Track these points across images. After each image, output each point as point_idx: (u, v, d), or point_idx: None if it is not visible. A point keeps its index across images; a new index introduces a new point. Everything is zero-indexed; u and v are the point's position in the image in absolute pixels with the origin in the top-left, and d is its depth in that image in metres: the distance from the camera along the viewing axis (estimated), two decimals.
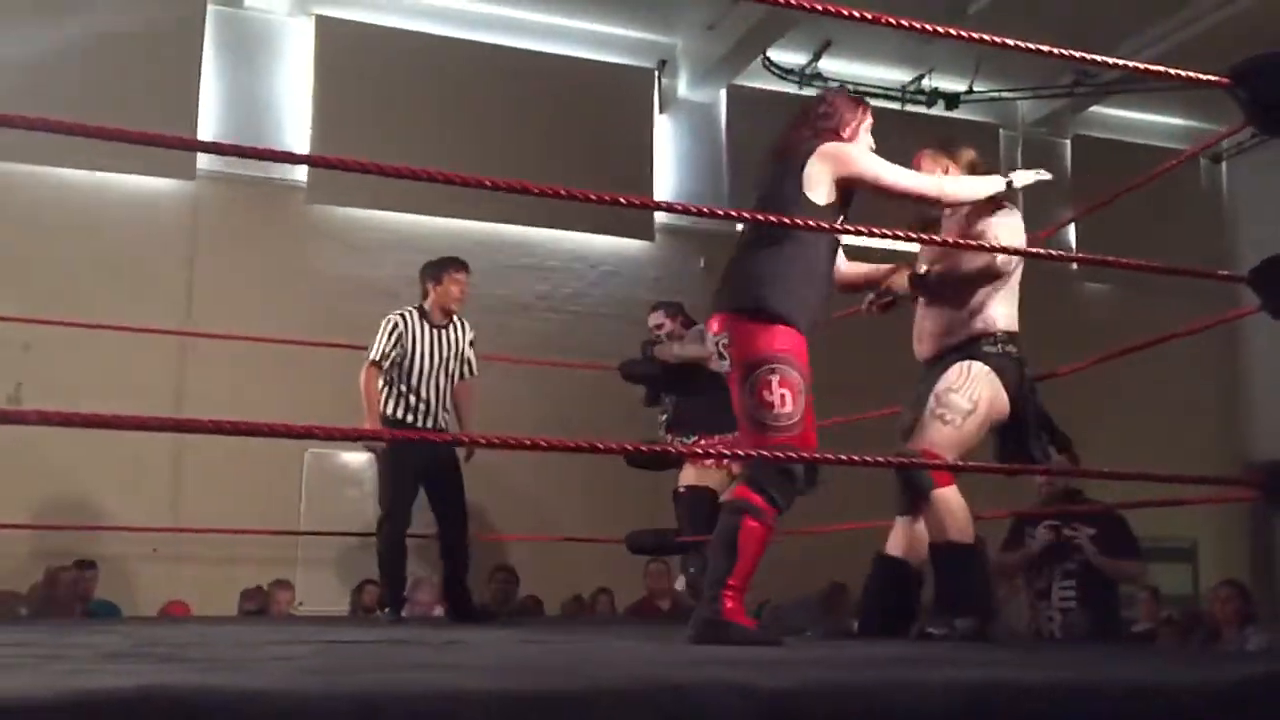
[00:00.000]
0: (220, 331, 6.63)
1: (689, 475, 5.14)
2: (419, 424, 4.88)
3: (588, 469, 6.93)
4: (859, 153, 3.18)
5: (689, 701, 1.41)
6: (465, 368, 5.12)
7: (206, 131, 7.86)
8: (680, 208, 2.88)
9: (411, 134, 7.94)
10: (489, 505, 7.79)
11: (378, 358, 4.92)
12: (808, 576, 7.67)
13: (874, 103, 10.88)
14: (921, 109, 9.73)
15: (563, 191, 2.60)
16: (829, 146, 3.14)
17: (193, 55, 7.95)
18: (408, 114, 8.16)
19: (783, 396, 2.95)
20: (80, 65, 7.29)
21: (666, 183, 9.14)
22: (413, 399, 4.93)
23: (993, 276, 3.45)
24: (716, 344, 3.06)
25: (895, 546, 3.58)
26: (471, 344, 5.16)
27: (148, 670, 1.77)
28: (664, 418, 5.31)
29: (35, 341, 6.77)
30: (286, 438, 2.33)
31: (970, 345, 3.45)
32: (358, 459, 7.71)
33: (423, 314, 5.05)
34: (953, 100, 9.75)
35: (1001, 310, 3.48)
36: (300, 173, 8.05)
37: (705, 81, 9.30)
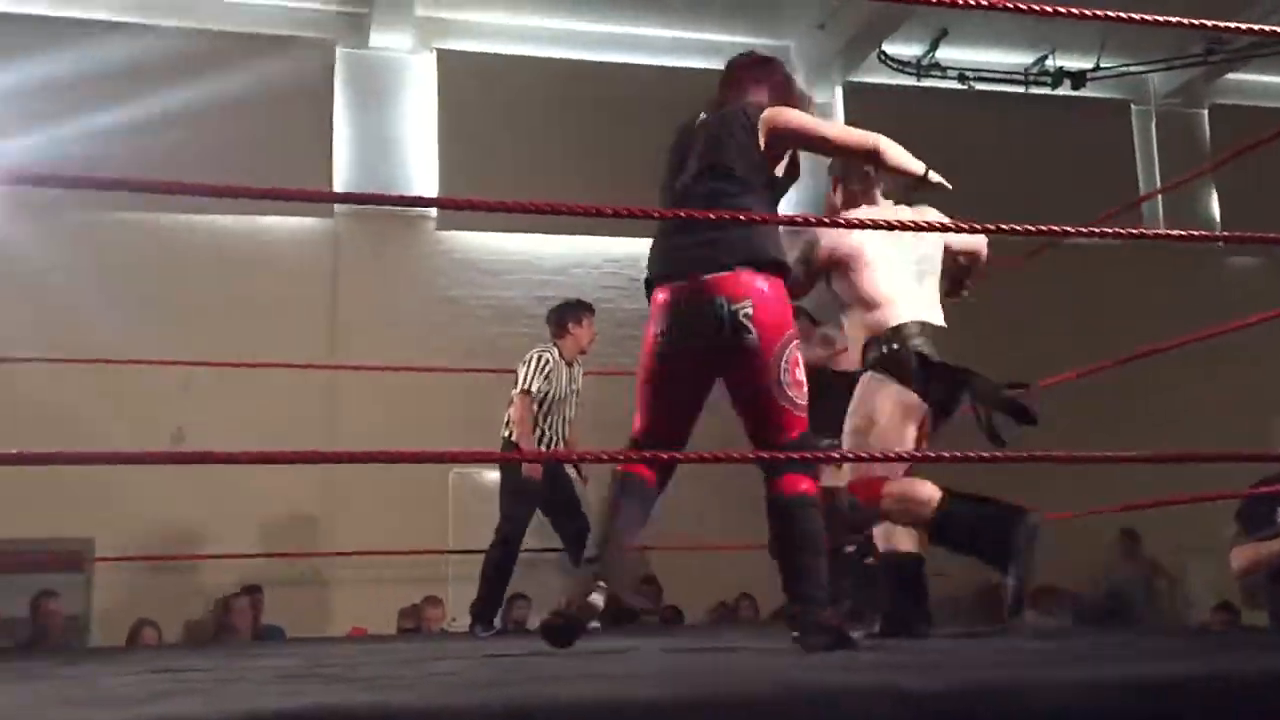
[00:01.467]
0: (363, 362, 6.88)
1: (828, 478, 5.10)
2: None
3: (725, 476, 6.94)
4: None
5: (841, 708, 1.43)
6: (577, 406, 5.37)
7: (340, 171, 8.20)
8: (801, 219, 2.89)
9: (535, 157, 8.10)
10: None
11: (532, 389, 5.12)
12: (955, 580, 7.55)
13: (997, 87, 10.66)
14: (1047, 90, 9.47)
15: (681, 213, 2.66)
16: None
17: (326, 100, 8.30)
18: (530, 138, 8.33)
19: (801, 380, 2.81)
20: (226, 119, 7.67)
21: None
22: (546, 431, 5.19)
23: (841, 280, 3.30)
24: (736, 313, 2.67)
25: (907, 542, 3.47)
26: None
27: (319, 690, 1.87)
28: None
29: (193, 382, 7.13)
30: (433, 462, 2.43)
31: (865, 359, 3.34)
32: (497, 477, 7.88)
33: (560, 352, 5.28)
34: (1079, 79, 9.45)
35: (876, 313, 3.27)
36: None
37: (820, 81, 9.24)
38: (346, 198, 7.94)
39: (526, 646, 3.34)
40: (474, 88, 8.50)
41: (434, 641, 4.87)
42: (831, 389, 5.15)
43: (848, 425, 3.29)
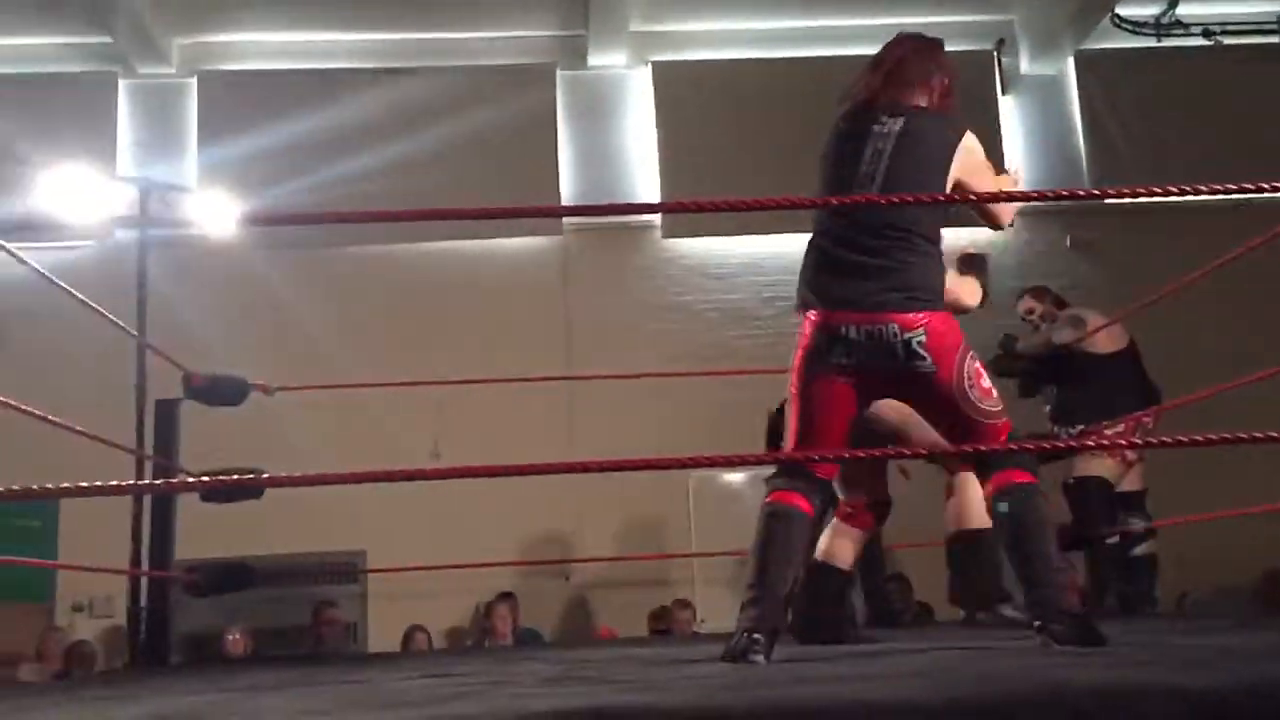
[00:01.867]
0: (598, 371, 7.07)
1: (1082, 465, 4.89)
2: None
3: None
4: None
5: (1111, 706, 1.37)
6: None
7: (566, 187, 8.48)
8: (1037, 195, 2.79)
9: (752, 158, 8.12)
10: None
11: None
12: (1233, 567, 7.05)
13: (1246, 40, 9.93)
14: None
15: (909, 198, 2.61)
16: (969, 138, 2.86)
17: (549, 120, 8.60)
18: (746, 140, 8.35)
19: (988, 386, 2.75)
20: (460, 152, 8.11)
21: (1019, 165, 8.75)
22: None
23: None
24: (909, 342, 2.65)
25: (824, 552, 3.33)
26: None
27: (583, 692, 1.95)
28: (1048, 408, 5.09)
29: (447, 401, 7.53)
30: (673, 468, 2.49)
31: None
32: (738, 479, 7.94)
33: None
34: None
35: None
36: (655, 213, 8.47)
37: (1049, 53, 8.84)
38: (574, 210, 8.20)
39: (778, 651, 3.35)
40: (689, 96, 8.61)
41: (684, 644, 4.94)
42: (1082, 372, 4.94)
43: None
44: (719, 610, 7.63)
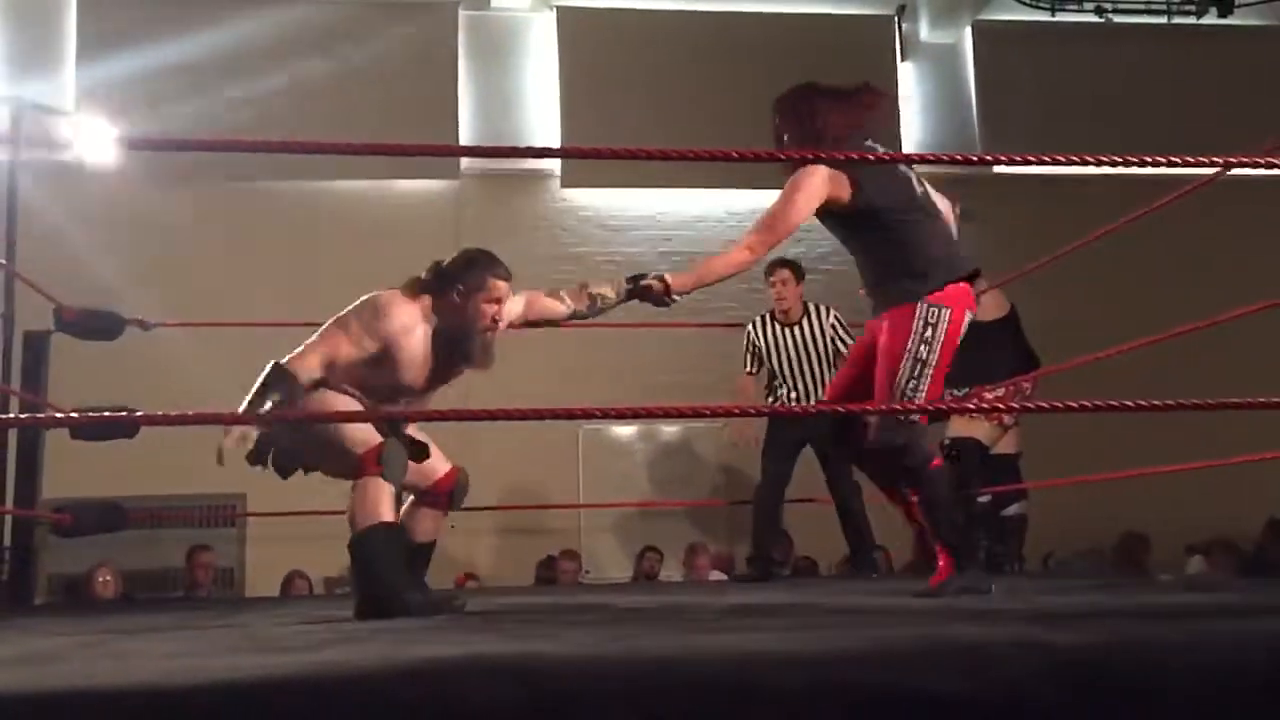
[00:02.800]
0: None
1: (960, 427, 5.01)
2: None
3: None
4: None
5: (980, 660, 1.41)
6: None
7: (465, 129, 8.32)
8: (933, 158, 2.82)
9: (654, 110, 8.09)
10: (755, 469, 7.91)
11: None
12: (1096, 528, 7.36)
13: (1137, 20, 10.17)
14: (1191, 20, 9.01)
15: (811, 156, 2.62)
16: None
17: (449, 61, 8.41)
18: (648, 91, 8.31)
19: None
20: (354, 87, 7.87)
21: (913, 132, 8.89)
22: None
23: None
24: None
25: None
26: None
27: (460, 640, 1.94)
28: None
29: None
30: (562, 419, 2.47)
31: None
32: (627, 432, 7.98)
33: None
34: (1226, 6, 8.95)
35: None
36: (554, 161, 8.36)
37: (948, 21, 8.97)
38: (472, 151, 8.06)
39: (660, 599, 3.38)
40: (593, 44, 8.51)
41: (569, 593, 4.97)
42: (965, 338, 5.05)
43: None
44: (604, 562, 7.70)
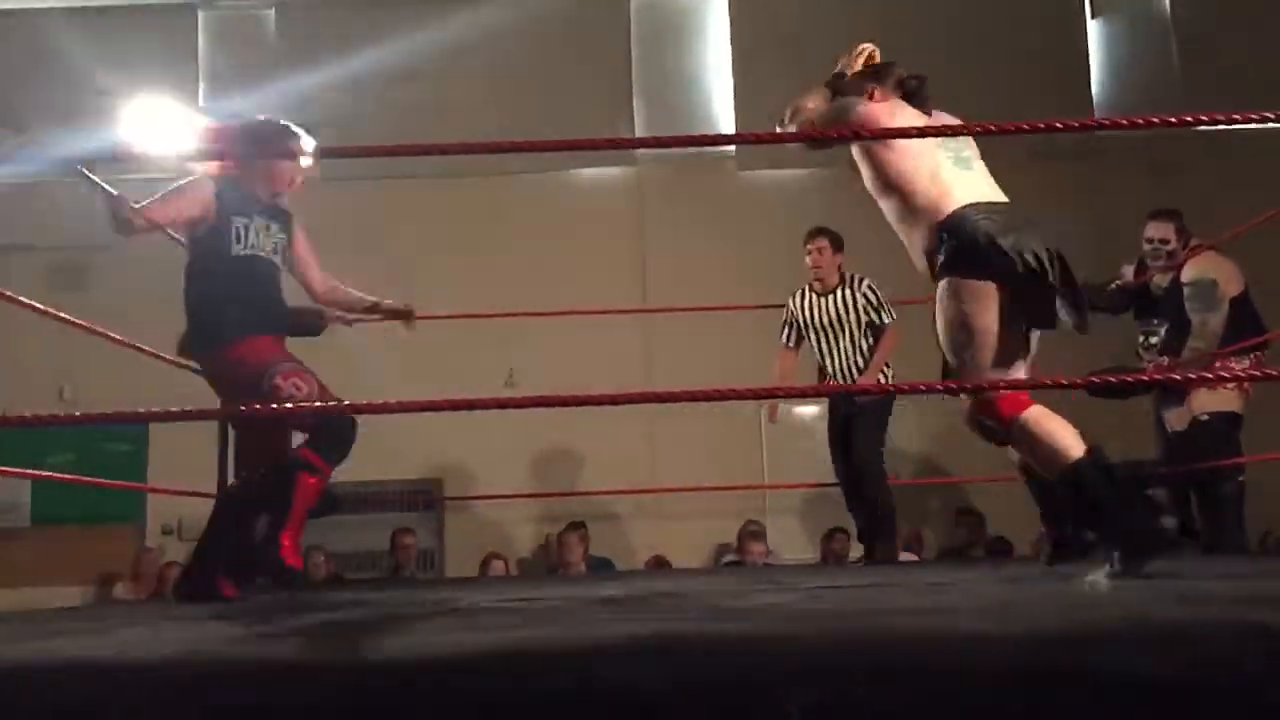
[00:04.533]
0: (674, 304, 7.05)
1: (1209, 401, 4.72)
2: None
3: (1048, 401, 6.65)
4: None
5: (1192, 640, 1.35)
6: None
7: (641, 116, 8.41)
8: (1127, 123, 2.68)
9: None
10: (947, 448, 7.72)
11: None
12: None
13: None
14: None
15: (993, 127, 2.54)
16: None
17: (623, 46, 8.50)
18: (825, 70, 8.18)
19: None
20: (533, 79, 8.06)
21: (1108, 94, 8.45)
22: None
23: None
24: None
25: None
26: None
27: (653, 618, 1.97)
28: (1155, 341, 4.88)
29: (522, 332, 7.59)
30: (746, 399, 2.49)
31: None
32: (810, 412, 7.91)
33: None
34: None
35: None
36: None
37: None
38: (644, 143, 8.11)
39: (860, 579, 3.36)
40: (767, 24, 8.44)
41: (756, 574, 4.97)
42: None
43: (944, 341, 2.93)
44: (791, 542, 7.67)
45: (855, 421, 5.15)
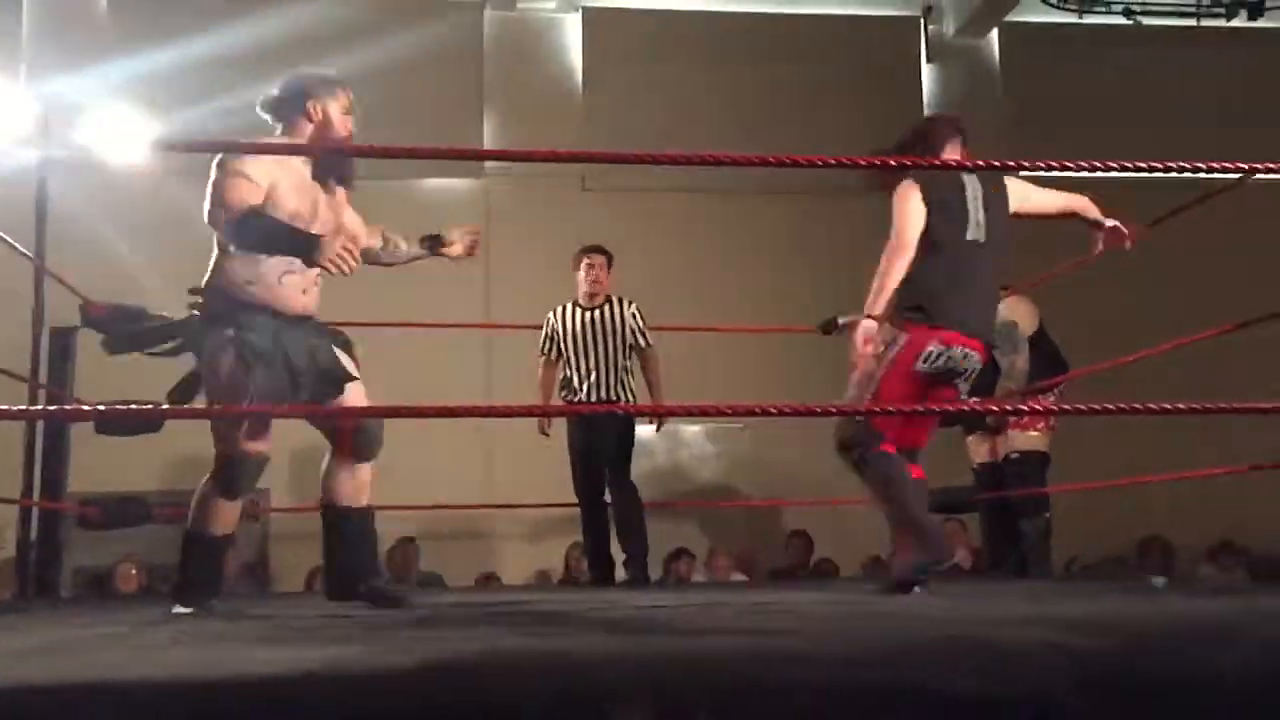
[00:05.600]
0: (516, 321, 7.01)
1: (1023, 441, 4.96)
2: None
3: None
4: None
5: (1002, 660, 1.41)
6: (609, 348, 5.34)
7: (491, 129, 8.36)
8: (955, 163, 2.81)
9: (678, 112, 8.09)
10: (777, 472, 7.89)
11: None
12: (1119, 533, 7.32)
13: (1166, 22, 10.03)
14: (1221, 22, 8.93)
15: (835, 160, 2.62)
16: None
17: (475, 61, 8.43)
18: (672, 92, 8.31)
19: None
20: (380, 86, 7.87)
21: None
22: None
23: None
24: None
25: None
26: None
27: (480, 636, 1.94)
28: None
29: (357, 342, 7.40)
30: (593, 413, 2.48)
31: None
32: (645, 432, 7.98)
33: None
34: (1257, 8, 8.85)
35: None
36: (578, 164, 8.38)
37: (975, 23, 8.92)
38: (492, 155, 8.04)
39: (686, 600, 3.39)
40: (618, 45, 8.51)
41: (592, 591, 4.97)
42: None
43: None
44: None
45: (618, 440, 5.19)
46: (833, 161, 2.61)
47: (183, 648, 1.85)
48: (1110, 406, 2.53)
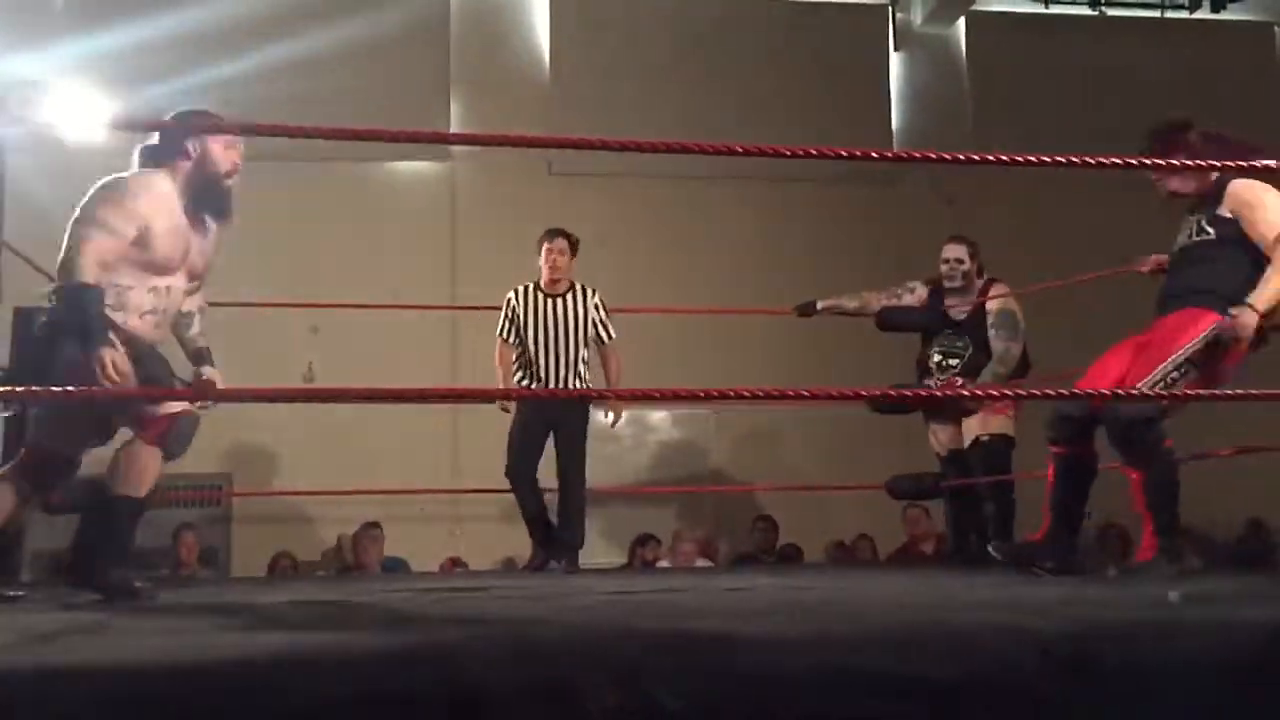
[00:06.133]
0: (482, 303, 7.00)
1: (994, 424, 5.00)
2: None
3: (839, 417, 6.93)
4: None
5: (966, 644, 1.43)
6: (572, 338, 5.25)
7: (458, 112, 8.31)
8: (920, 156, 2.82)
9: (646, 95, 8.07)
10: (742, 457, 7.93)
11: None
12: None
13: (1131, 13, 10.09)
14: (1184, 13, 9.02)
15: (803, 151, 2.62)
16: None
17: (442, 41, 8.36)
18: (640, 76, 8.29)
19: None
20: (345, 66, 7.81)
21: (905, 123, 8.87)
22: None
23: None
24: None
25: None
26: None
27: (451, 622, 1.94)
28: (954, 363, 5.09)
29: (322, 324, 7.36)
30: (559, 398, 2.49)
31: None
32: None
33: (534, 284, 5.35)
34: (1220, 0, 8.96)
35: None
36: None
37: (941, 12, 8.96)
38: (462, 139, 7.99)
39: (652, 584, 3.40)
40: (586, 29, 8.47)
41: (560, 578, 4.98)
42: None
43: None
44: (596, 547, 7.68)
45: (568, 429, 5.11)
46: (814, 152, 2.60)
47: (150, 634, 1.84)
48: (1069, 391, 2.57)
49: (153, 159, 3.14)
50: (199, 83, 7.43)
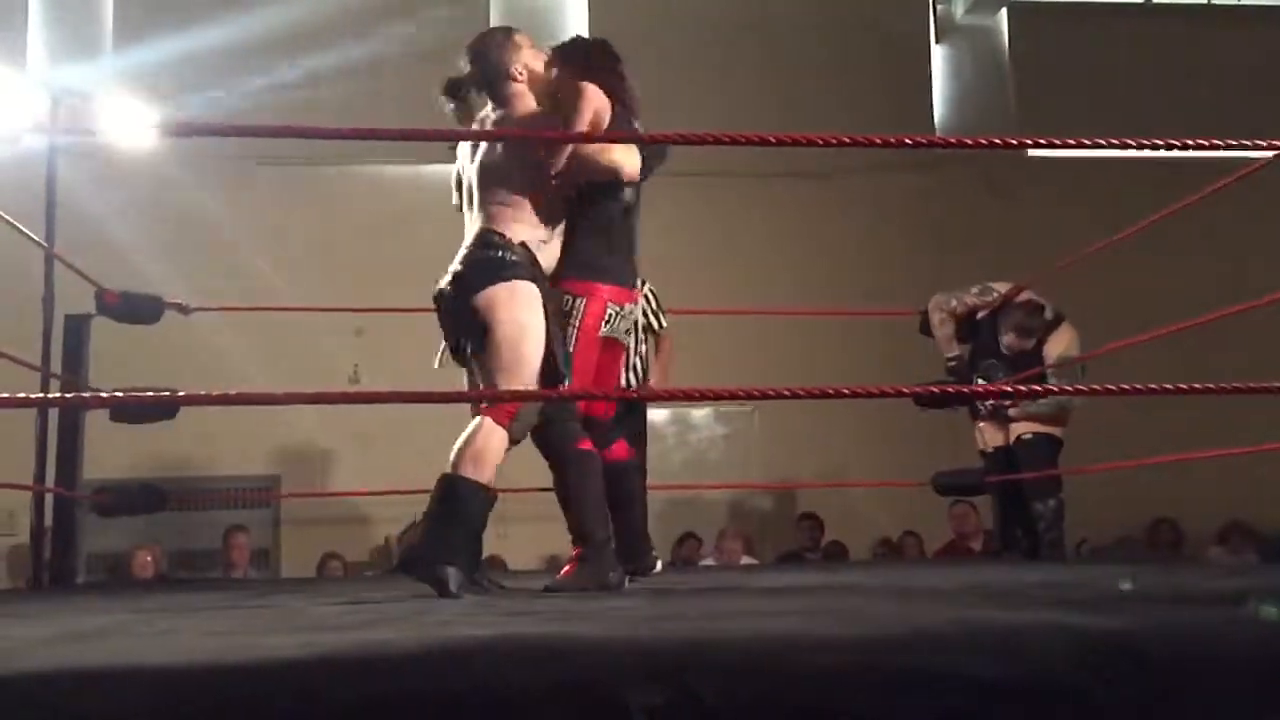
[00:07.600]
0: None
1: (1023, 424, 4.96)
2: None
3: (883, 414, 6.88)
4: None
5: (1016, 642, 1.42)
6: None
7: None
8: (972, 142, 2.79)
9: (683, 93, 8.07)
10: (785, 455, 7.90)
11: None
12: (1129, 515, 7.32)
13: (1175, 0, 9.94)
14: (1232, 1, 8.87)
15: (847, 139, 2.61)
16: None
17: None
18: (678, 73, 8.28)
19: None
20: (385, 67, 7.88)
21: (948, 114, 8.81)
22: None
23: None
24: None
25: None
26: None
27: (503, 621, 1.96)
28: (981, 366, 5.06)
29: (367, 327, 7.43)
30: (602, 400, 2.50)
31: None
32: (660, 416, 7.99)
33: None
34: None
35: None
36: None
37: (984, 2, 8.87)
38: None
39: (695, 582, 3.40)
40: (625, 26, 8.47)
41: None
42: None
43: None
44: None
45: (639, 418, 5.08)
46: (847, 140, 2.59)
47: (200, 634, 1.87)
48: (1120, 387, 2.53)
49: None
50: (245, 92, 7.55)
